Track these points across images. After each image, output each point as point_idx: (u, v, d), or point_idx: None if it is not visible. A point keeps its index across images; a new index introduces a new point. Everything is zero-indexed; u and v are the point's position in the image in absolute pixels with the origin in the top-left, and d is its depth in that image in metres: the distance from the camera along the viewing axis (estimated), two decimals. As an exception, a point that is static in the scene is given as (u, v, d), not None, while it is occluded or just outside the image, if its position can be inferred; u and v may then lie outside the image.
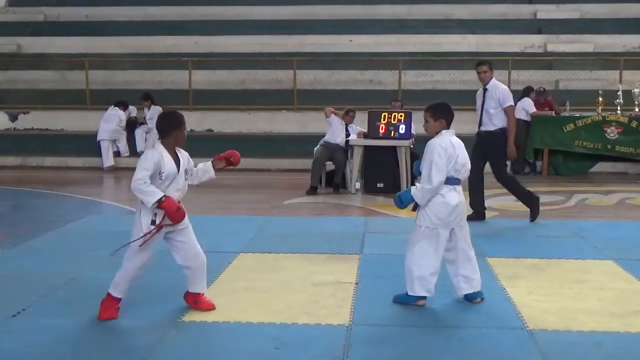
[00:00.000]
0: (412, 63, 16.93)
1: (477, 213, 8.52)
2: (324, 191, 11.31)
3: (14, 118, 16.97)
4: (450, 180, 5.03)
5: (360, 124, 11.82)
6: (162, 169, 4.67)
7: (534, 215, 8.52)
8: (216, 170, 5.11)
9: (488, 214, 8.81)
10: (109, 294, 4.85)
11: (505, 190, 9.01)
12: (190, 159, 4.99)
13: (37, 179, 12.86)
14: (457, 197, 5.06)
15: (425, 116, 5.20)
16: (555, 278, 5.95)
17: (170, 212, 4.63)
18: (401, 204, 5.15)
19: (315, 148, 11.81)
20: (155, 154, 4.69)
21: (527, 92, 14.21)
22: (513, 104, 8.56)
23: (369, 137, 11.31)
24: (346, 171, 11.48)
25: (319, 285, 5.67)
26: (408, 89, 16.05)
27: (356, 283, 5.76)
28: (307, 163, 12.21)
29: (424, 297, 5.11)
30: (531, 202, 8.58)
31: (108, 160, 14.59)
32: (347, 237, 7.59)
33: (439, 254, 5.09)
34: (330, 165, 11.70)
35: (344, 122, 11.65)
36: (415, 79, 16.73)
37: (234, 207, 10.06)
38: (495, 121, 8.43)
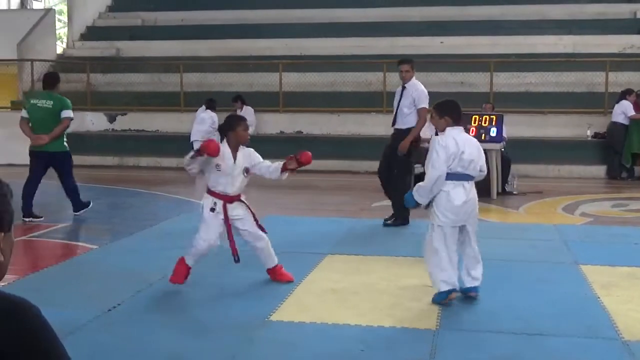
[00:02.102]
0: (504, 65, 16.61)
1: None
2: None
3: (112, 119, 17.60)
4: (456, 176, 5.04)
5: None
6: (219, 163, 5.34)
7: (396, 222, 8.21)
8: (289, 169, 5.50)
9: (583, 219, 8.55)
10: (182, 259, 5.54)
11: (600, 196, 8.73)
12: (255, 155, 5.58)
13: (133, 178, 13.30)
14: (464, 193, 5.06)
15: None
16: (653, 288, 5.73)
17: (206, 147, 5.22)
18: (406, 203, 5.28)
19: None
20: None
21: (625, 94, 13.71)
22: (427, 107, 8.14)
23: (459, 140, 11.15)
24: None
25: (406, 289, 5.65)
26: (500, 92, 15.76)
27: (444, 287, 5.70)
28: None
29: (453, 290, 5.14)
30: (402, 211, 8.17)
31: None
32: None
33: (451, 249, 5.12)
34: (419, 168, 11.60)
35: (432, 125, 11.55)
36: (508, 81, 16.40)
37: (322, 208, 10.12)
38: (407, 120, 8.21)
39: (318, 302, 5.29)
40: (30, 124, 8.79)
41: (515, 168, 11.53)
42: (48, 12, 21.19)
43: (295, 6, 20.31)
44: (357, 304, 5.26)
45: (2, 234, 1.58)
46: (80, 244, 7.57)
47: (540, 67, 16.59)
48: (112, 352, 4.29)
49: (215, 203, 5.43)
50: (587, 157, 14.14)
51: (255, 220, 5.59)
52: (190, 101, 16.81)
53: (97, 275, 6.06)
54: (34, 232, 7.98)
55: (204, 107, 14.75)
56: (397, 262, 6.55)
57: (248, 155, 5.55)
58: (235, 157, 5.44)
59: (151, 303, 5.27)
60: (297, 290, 5.60)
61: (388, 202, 9.88)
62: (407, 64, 8.47)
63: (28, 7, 25.23)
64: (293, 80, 17.04)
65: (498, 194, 10.87)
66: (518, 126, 13.88)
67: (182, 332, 4.64)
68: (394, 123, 8.40)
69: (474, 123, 11.01)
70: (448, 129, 5.12)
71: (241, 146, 5.52)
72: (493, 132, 10.94)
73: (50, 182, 13.36)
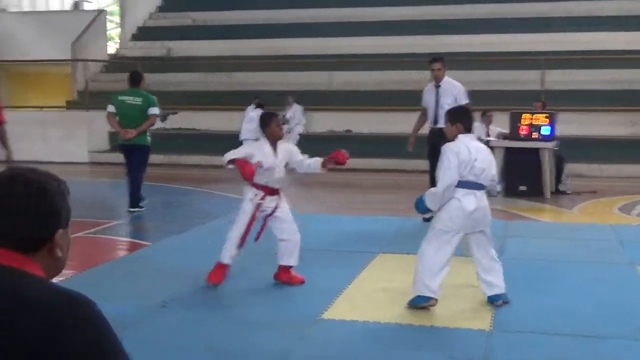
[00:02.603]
0: (556, 62, 16.35)
1: None
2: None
3: (163, 118, 17.80)
4: (468, 185, 4.95)
5: (500, 125, 11.56)
6: (261, 160, 5.50)
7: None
8: (327, 168, 5.77)
9: (639, 219, 8.36)
10: (218, 262, 5.64)
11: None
12: (295, 150, 5.83)
13: (183, 177, 13.46)
14: (475, 202, 4.95)
15: (445, 120, 5.26)
16: None
17: (240, 168, 5.40)
18: (417, 209, 5.24)
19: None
20: (250, 148, 5.85)
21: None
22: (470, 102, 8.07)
23: (509, 139, 11.03)
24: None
25: (458, 288, 5.59)
26: (552, 89, 15.51)
27: (496, 287, 5.63)
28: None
29: (433, 299, 5.00)
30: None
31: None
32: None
33: (447, 256, 5.02)
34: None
35: (484, 124, 11.46)
36: (559, 79, 16.13)
37: (367, 207, 10.10)
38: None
39: (369, 301, 5.28)
40: (117, 119, 9.19)
41: (568, 167, 11.34)
42: (100, 13, 21.60)
43: (344, 5, 20.31)
44: (409, 303, 5.24)
45: (61, 230, 1.61)
46: (134, 240, 7.69)
47: (592, 64, 16.29)
48: (166, 348, 4.34)
49: (255, 194, 5.61)
50: (638, 156, 13.84)
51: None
52: (236, 100, 16.93)
53: (150, 272, 6.15)
54: (90, 229, 8.14)
55: (253, 105, 14.83)
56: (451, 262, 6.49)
57: (288, 150, 5.77)
58: (275, 152, 5.63)
59: (203, 300, 5.33)
60: (348, 288, 5.60)
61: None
62: (439, 62, 8.40)
63: (81, 9, 25.72)
64: (342, 79, 17.04)
65: (551, 193, 10.71)
66: (570, 124, 13.62)
67: (233, 329, 4.68)
68: (435, 122, 8.31)
69: (524, 121, 10.85)
70: (460, 136, 5.04)
71: (280, 141, 5.73)
72: (546, 130, 10.76)
73: (104, 181, 13.59)
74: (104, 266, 6.40)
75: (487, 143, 11.26)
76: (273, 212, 5.65)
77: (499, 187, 10.97)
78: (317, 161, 5.74)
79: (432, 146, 8.31)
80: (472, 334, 4.58)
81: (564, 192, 11.02)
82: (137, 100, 9.13)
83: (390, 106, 16.34)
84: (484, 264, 5.16)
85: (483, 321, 4.80)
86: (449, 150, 4.96)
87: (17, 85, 18.60)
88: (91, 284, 5.63)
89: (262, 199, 5.59)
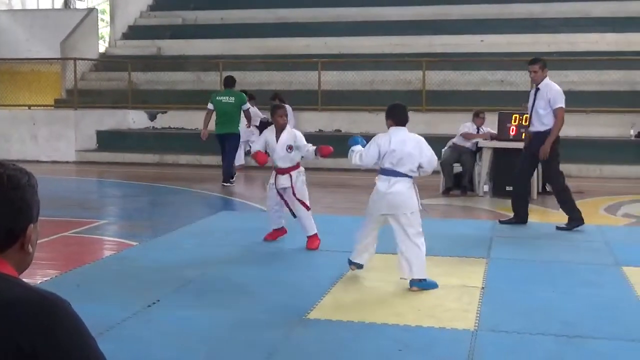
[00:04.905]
0: (546, 63, 16.37)
1: (517, 216, 8.22)
2: (452, 193, 11.16)
3: (153, 117, 17.81)
4: (385, 171, 5.66)
5: (490, 126, 11.59)
6: (268, 142, 6.99)
7: (571, 224, 7.97)
8: (318, 156, 6.90)
9: (626, 220, 8.41)
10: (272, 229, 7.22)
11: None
12: (300, 137, 6.91)
13: (173, 176, 13.42)
14: (387, 186, 5.61)
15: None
16: (698, 291, 5.61)
17: (255, 157, 7.13)
18: (352, 141, 5.96)
19: (443, 150, 11.68)
20: (264, 134, 7.22)
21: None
22: (564, 106, 8.06)
23: (499, 139, 11.06)
24: (474, 173, 11.28)
25: (445, 288, 5.61)
26: (541, 90, 15.53)
27: (482, 287, 5.66)
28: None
29: (356, 264, 5.91)
30: (575, 212, 8.03)
31: (239, 159, 15.01)
32: (474, 240, 7.47)
33: (369, 232, 5.84)
34: (457, 167, 11.53)
35: (475, 125, 11.49)
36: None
37: (356, 206, 10.07)
38: (545, 121, 8.03)
39: (357, 301, 5.29)
40: (215, 115, 11.88)
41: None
42: (91, 11, 21.51)
43: (334, 5, 20.31)
44: (396, 303, 5.25)
45: (32, 224, 1.60)
46: (120, 240, 7.66)
47: (582, 65, 16.34)
48: (152, 347, 4.33)
49: (273, 177, 6.99)
50: (630, 157, 13.89)
51: (294, 193, 6.84)
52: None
53: (137, 272, 6.13)
54: (76, 228, 8.11)
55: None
56: (437, 262, 6.51)
57: (293, 135, 6.93)
58: (278, 138, 6.89)
59: (190, 299, 5.32)
60: (334, 288, 5.61)
61: (426, 202, 9.85)
62: (536, 64, 8.27)
63: (71, 7, 25.62)
64: (332, 79, 17.04)
65: (538, 193, 10.74)
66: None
67: (220, 328, 4.67)
68: (529, 125, 8.28)
69: (514, 122, 10.89)
70: (391, 129, 5.69)
71: (289, 127, 7.04)
72: (534, 131, 10.77)
73: (91, 180, 13.57)
74: (90, 266, 6.37)
75: (476, 144, 11.33)
76: (288, 189, 6.84)
77: (486, 187, 11.01)
78: (312, 149, 6.86)
79: (526, 150, 8.31)
80: (457, 334, 4.59)
81: (550, 193, 11.02)
82: (231, 100, 11.82)
83: (380, 106, 16.31)
84: (402, 248, 5.60)
85: (468, 321, 4.81)
86: (374, 140, 5.70)
87: (7, 84, 18.50)
88: (76, 283, 5.62)
89: (275, 177, 6.92)
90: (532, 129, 8.18)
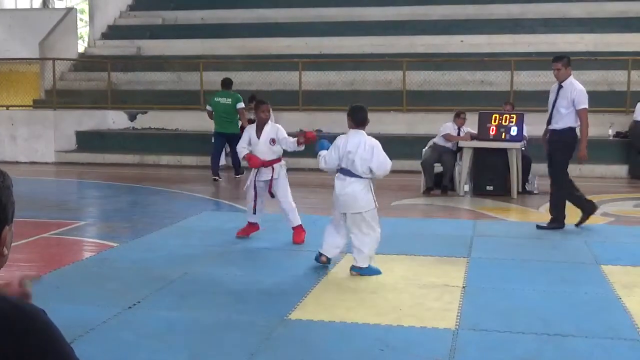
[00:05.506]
0: (525, 63, 16.50)
1: (583, 210, 8.17)
2: (432, 193, 11.20)
3: (133, 117, 17.70)
4: (342, 171, 5.99)
5: (470, 126, 11.65)
6: (251, 138, 7.26)
7: (552, 225, 8.04)
8: (300, 143, 7.04)
9: (604, 219, 8.48)
10: (248, 222, 7.44)
11: (621, 195, 8.65)
12: (282, 131, 7.21)
13: (153, 177, 13.36)
14: (340, 186, 5.96)
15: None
16: (676, 289, 5.67)
17: (248, 160, 7.24)
18: (321, 146, 6.26)
19: (424, 150, 11.73)
20: (246, 132, 7.46)
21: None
22: (587, 107, 8.06)
23: (479, 139, 11.12)
24: (455, 173, 11.33)
25: (426, 288, 5.64)
26: (521, 90, 15.66)
27: (463, 287, 5.69)
28: (415, 165, 12.13)
29: (325, 256, 6.17)
30: (561, 215, 8.08)
31: (223, 159, 14.95)
32: (455, 239, 7.50)
33: (335, 227, 6.15)
34: (438, 167, 11.58)
35: (456, 125, 11.53)
36: (529, 80, 16.28)
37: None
38: (566, 120, 8.04)
39: (338, 301, 5.29)
40: (213, 114, 12.81)
41: (536, 167, 11.45)
42: (69, 11, 21.34)
43: (315, 5, 20.32)
44: (377, 303, 5.26)
45: (7, 226, 1.58)
46: (100, 241, 7.61)
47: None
48: (132, 349, 4.31)
49: (253, 173, 7.27)
50: (609, 157, 14.00)
51: (269, 187, 7.16)
52: (209, 100, 16.84)
53: (118, 273, 6.10)
54: (56, 229, 8.05)
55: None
56: (418, 261, 6.54)
57: (275, 128, 7.22)
58: (260, 133, 7.19)
59: (171, 301, 5.30)
60: (316, 288, 5.61)
61: (407, 201, 9.90)
62: (559, 61, 8.14)
63: (50, 7, 25.42)
64: (312, 79, 17.04)
65: (518, 193, 10.81)
66: (538, 125, 13.73)
67: (201, 329, 4.66)
68: (549, 122, 8.24)
69: (494, 122, 10.95)
70: (350, 131, 6.01)
71: (271, 122, 7.31)
72: (514, 131, 10.87)
73: (71, 181, 13.49)
74: (69, 267, 6.33)
75: (456, 144, 11.39)
76: (271, 181, 7.12)
77: (466, 187, 11.07)
78: (293, 139, 7.06)
79: (547, 145, 8.28)
80: (438, 333, 4.61)
81: (530, 192, 11.13)
82: (228, 100, 12.70)
83: (361, 106, 16.34)
84: (353, 240, 5.99)
85: (449, 321, 4.83)
86: (334, 143, 6.05)
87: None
88: (56, 285, 5.57)
89: (258, 170, 7.18)
90: (552, 126, 8.15)
